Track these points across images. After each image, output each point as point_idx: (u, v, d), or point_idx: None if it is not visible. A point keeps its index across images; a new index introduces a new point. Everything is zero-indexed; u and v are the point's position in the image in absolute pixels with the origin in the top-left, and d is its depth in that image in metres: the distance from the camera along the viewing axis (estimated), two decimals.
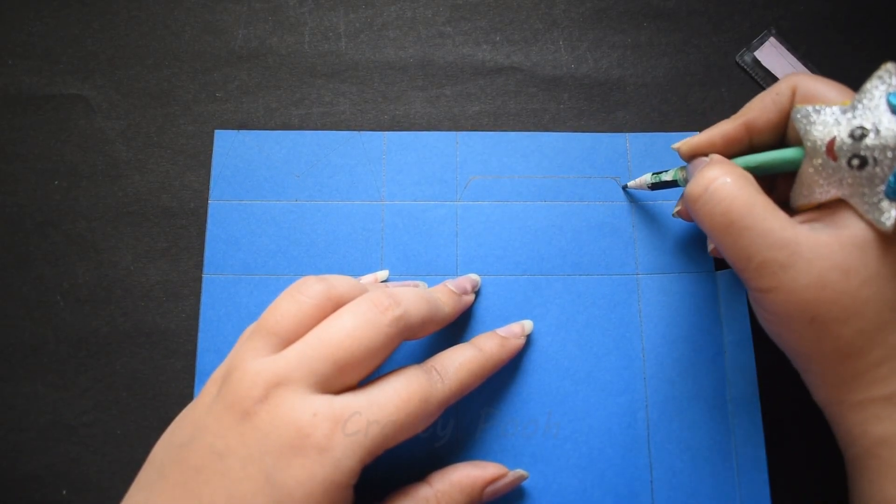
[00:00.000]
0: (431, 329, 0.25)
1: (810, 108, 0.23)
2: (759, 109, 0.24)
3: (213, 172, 0.31)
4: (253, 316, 0.28)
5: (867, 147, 0.21)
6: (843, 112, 0.22)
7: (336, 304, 0.23)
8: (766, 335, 0.24)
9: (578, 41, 0.33)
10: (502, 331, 0.28)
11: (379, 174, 0.31)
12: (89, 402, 0.28)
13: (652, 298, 0.29)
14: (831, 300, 0.20)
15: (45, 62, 0.32)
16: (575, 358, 0.28)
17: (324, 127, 0.32)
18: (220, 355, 0.28)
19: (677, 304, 0.29)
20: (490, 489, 0.25)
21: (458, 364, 0.24)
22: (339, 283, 0.23)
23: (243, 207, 0.30)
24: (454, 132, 0.31)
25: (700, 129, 0.29)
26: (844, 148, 0.22)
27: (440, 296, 0.26)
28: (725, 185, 0.22)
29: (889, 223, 0.20)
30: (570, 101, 0.32)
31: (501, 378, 0.28)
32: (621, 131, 0.31)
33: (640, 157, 0.31)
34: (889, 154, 0.21)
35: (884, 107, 0.21)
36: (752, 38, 0.33)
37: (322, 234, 0.30)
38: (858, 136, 0.21)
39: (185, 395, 0.28)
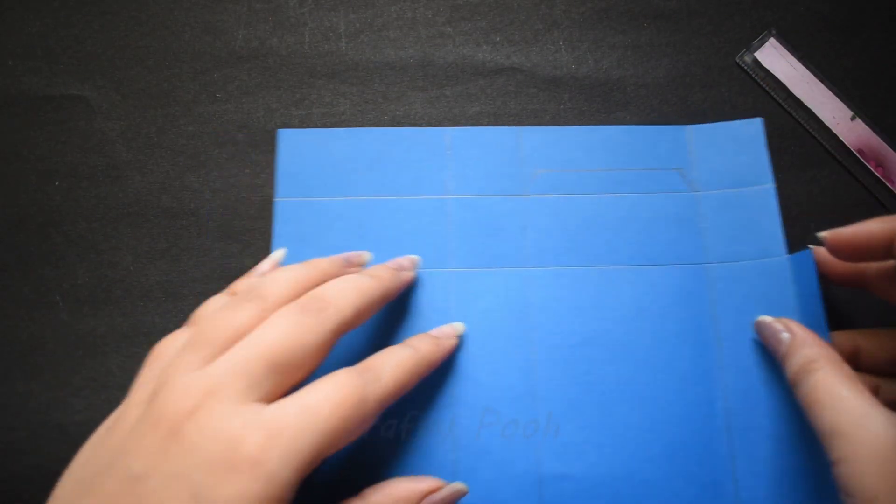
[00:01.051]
0: (369, 314, 0.24)
1: None
2: None
3: (278, 171, 0.30)
4: None
5: None
6: None
7: (270, 311, 0.22)
8: (841, 320, 0.26)
9: (579, 41, 0.33)
10: (435, 332, 0.28)
11: (444, 169, 0.31)
12: (82, 402, 0.28)
13: (723, 287, 0.29)
14: (893, 478, 0.20)
15: (45, 63, 0.32)
16: (650, 348, 0.28)
17: (325, 127, 0.32)
18: None
19: (748, 292, 0.29)
20: (426, 502, 0.23)
21: (393, 364, 0.23)
22: (272, 288, 0.23)
23: (310, 205, 0.30)
24: (517, 127, 0.31)
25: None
26: None
27: (378, 272, 0.26)
28: (821, 373, 0.23)
29: None
30: (571, 102, 0.32)
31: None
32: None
33: (701, 148, 0.31)
34: None
35: None
36: (753, 38, 0.33)
37: (390, 229, 0.30)
38: None
39: None
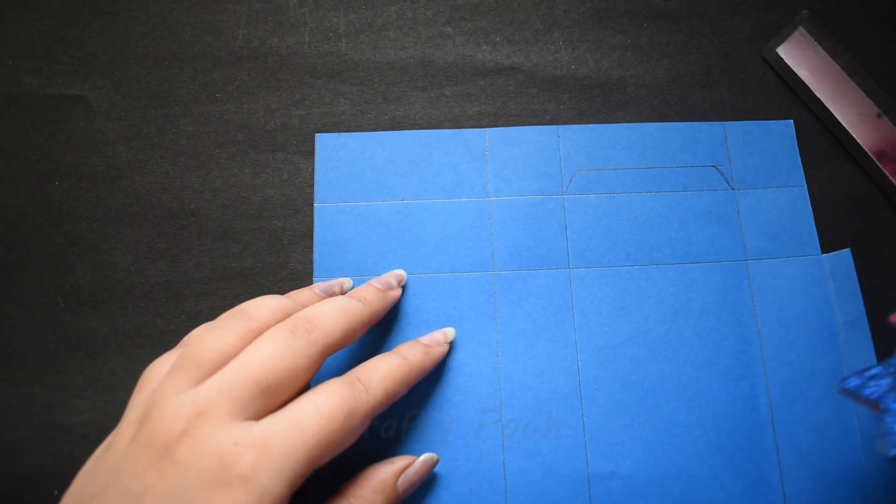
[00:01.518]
0: (357, 335, 0.24)
1: None
2: None
3: (317, 175, 0.31)
4: None
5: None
6: None
7: (257, 334, 0.22)
8: (882, 314, 0.26)
9: (579, 42, 0.33)
10: (425, 339, 0.28)
11: (483, 171, 0.31)
12: (85, 403, 0.28)
13: (763, 283, 0.29)
14: None
15: (46, 62, 0.32)
16: (693, 345, 0.29)
17: (324, 128, 0.32)
18: (334, 358, 0.28)
19: (788, 288, 0.29)
20: (402, 480, 0.25)
21: (382, 373, 0.24)
22: (260, 311, 0.23)
23: (349, 209, 0.30)
24: (556, 126, 0.31)
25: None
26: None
27: (364, 295, 0.26)
28: None
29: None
30: (571, 102, 0.32)
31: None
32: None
33: (738, 145, 0.31)
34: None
35: None
36: (753, 38, 0.33)
37: (431, 232, 0.30)
38: None
39: None
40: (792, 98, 0.32)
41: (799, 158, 0.31)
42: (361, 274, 0.29)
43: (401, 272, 0.29)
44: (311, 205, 0.31)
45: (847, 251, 0.29)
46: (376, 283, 0.28)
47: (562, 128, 0.31)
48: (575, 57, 0.33)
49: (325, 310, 0.24)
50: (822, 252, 0.30)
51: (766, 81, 0.32)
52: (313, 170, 0.31)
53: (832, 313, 0.29)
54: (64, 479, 0.27)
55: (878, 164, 0.28)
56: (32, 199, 0.31)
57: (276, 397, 0.21)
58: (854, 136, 0.28)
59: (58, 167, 0.31)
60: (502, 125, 0.32)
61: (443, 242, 0.30)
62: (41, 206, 0.31)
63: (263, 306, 0.24)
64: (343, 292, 0.28)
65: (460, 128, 0.32)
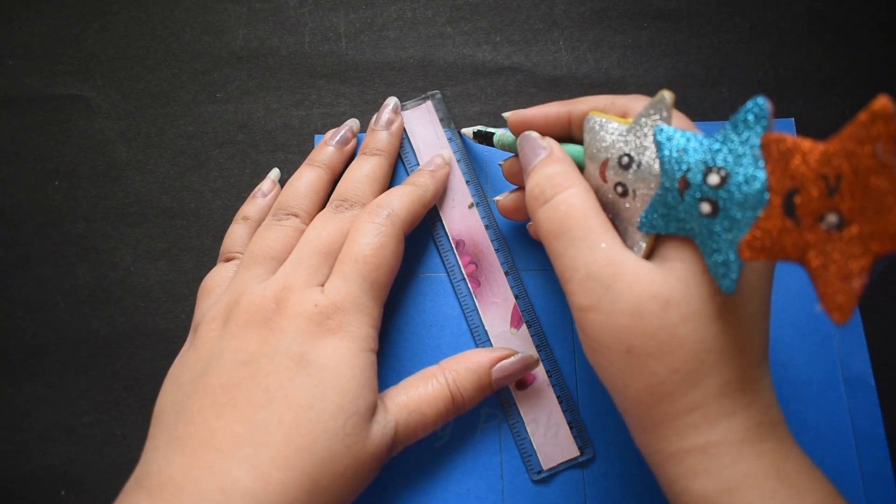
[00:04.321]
0: (423, 212, 0.28)
1: (599, 120, 0.22)
2: (589, 104, 0.23)
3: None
4: None
5: (629, 179, 0.21)
6: (624, 133, 0.21)
7: (307, 223, 0.27)
8: (878, 316, 0.25)
9: (579, 41, 0.33)
10: (427, 165, 0.29)
11: (482, 171, 0.31)
12: (89, 403, 0.28)
13: None
14: (648, 332, 0.19)
15: (45, 63, 0.32)
16: None
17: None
18: None
19: (782, 289, 0.29)
20: (497, 368, 0.26)
21: (397, 197, 0.26)
22: (301, 203, 0.27)
23: None
24: None
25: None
26: (611, 173, 0.21)
27: (422, 180, 0.28)
28: (572, 195, 0.21)
29: (639, 253, 0.20)
30: None
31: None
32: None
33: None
34: (644, 191, 0.20)
35: (650, 139, 0.20)
36: (753, 38, 0.33)
37: (430, 232, 0.30)
38: (625, 164, 0.21)
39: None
40: (793, 98, 0.32)
41: None
42: None
43: (390, 100, 0.30)
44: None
45: None
46: (425, 165, 0.29)
47: None
48: (575, 57, 0.33)
49: (354, 183, 0.27)
50: None
51: (765, 81, 0.32)
52: None
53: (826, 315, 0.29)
54: (70, 479, 0.27)
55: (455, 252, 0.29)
56: (32, 199, 0.31)
57: (336, 259, 0.25)
58: (443, 218, 0.29)
59: (58, 167, 0.31)
60: (502, 125, 0.32)
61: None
62: (41, 206, 0.31)
63: (299, 196, 0.27)
64: (354, 135, 0.30)
65: (460, 128, 0.32)
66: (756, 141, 0.17)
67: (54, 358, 0.29)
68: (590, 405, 0.28)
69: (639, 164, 0.20)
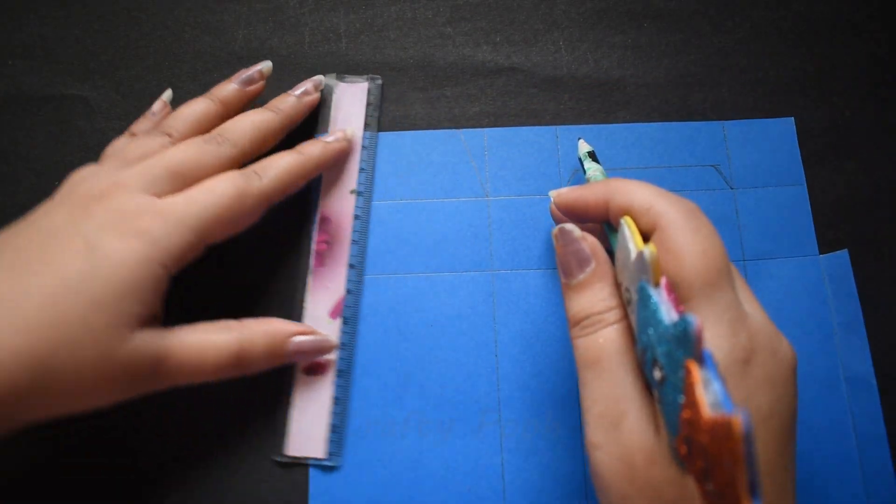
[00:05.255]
0: (270, 141, 0.28)
1: (627, 233, 0.21)
2: (628, 196, 0.22)
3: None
4: (364, 317, 0.29)
5: (627, 296, 0.21)
6: (632, 264, 0.20)
7: (177, 143, 0.27)
8: (879, 315, 0.26)
9: (579, 42, 0.33)
10: (326, 136, 0.29)
11: (482, 170, 0.31)
12: None
13: (760, 284, 0.29)
14: (637, 484, 0.18)
15: (46, 63, 0.32)
16: None
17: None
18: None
19: (785, 288, 0.29)
20: (294, 342, 0.26)
21: (277, 165, 0.27)
22: (179, 126, 0.27)
23: None
24: (554, 126, 0.31)
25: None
26: (623, 280, 0.21)
27: (277, 104, 0.29)
28: (613, 330, 0.21)
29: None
30: (571, 102, 0.32)
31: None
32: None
33: (738, 143, 0.31)
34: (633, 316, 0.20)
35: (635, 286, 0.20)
36: (753, 38, 0.33)
37: (430, 232, 0.30)
38: (626, 288, 0.21)
39: (184, 395, 0.28)
40: (793, 98, 0.32)
41: (799, 156, 0.31)
42: (361, 273, 0.29)
43: (318, 77, 0.31)
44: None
45: (844, 252, 0.29)
46: (293, 90, 0.30)
47: (560, 128, 0.31)
48: (575, 57, 0.33)
49: (237, 124, 0.27)
50: (820, 252, 0.30)
51: (766, 81, 0.32)
52: None
53: (828, 314, 0.29)
54: (67, 478, 0.27)
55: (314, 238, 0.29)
56: (32, 199, 0.31)
57: (183, 184, 0.25)
58: (321, 192, 0.30)
59: (58, 167, 0.31)
60: (502, 125, 0.32)
61: (441, 242, 0.30)
62: None
63: (181, 119, 0.27)
64: (262, 78, 0.30)
65: (460, 128, 0.32)
66: (682, 360, 0.17)
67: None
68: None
69: (630, 298, 0.20)
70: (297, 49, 0.33)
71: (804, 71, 0.33)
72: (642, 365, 0.20)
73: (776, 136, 0.31)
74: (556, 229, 0.23)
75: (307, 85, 0.30)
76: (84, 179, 0.24)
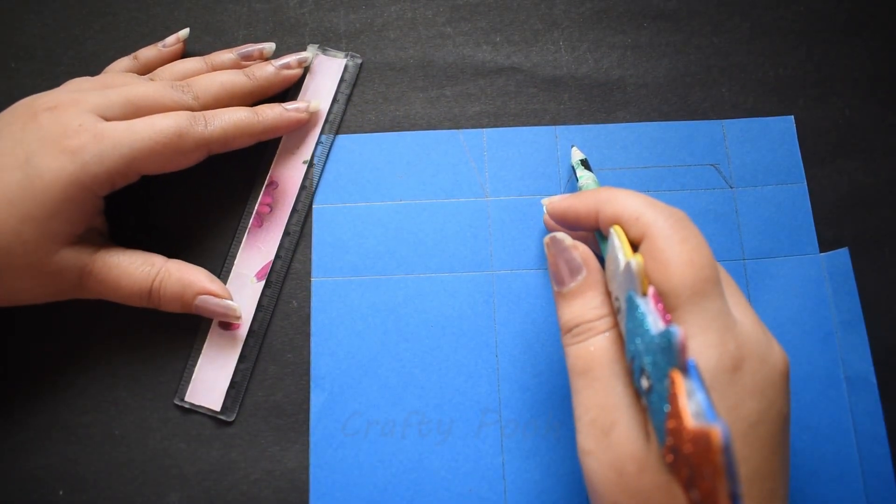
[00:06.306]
0: (234, 103, 0.29)
1: (616, 243, 0.21)
2: (616, 206, 0.22)
3: (315, 176, 0.31)
4: (365, 317, 0.29)
5: (617, 305, 0.21)
6: (620, 273, 0.21)
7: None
8: (879, 314, 0.26)
9: (578, 42, 0.33)
10: (289, 104, 0.30)
11: (482, 171, 0.31)
12: (88, 402, 0.28)
13: (760, 283, 0.29)
14: (628, 492, 0.19)
15: (47, 64, 0.32)
16: None
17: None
18: (334, 358, 0.28)
19: (785, 287, 0.29)
20: (201, 299, 0.27)
21: (227, 117, 0.27)
22: (164, 73, 0.29)
23: (347, 210, 0.30)
24: (553, 126, 0.31)
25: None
26: (613, 289, 0.21)
27: (253, 71, 0.30)
28: (604, 338, 0.21)
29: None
30: (571, 102, 0.32)
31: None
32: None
33: (737, 143, 0.31)
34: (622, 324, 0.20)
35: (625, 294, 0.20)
36: (753, 38, 0.33)
37: (429, 232, 0.30)
38: (615, 296, 0.21)
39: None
40: (793, 98, 0.32)
41: (799, 155, 0.31)
42: (360, 274, 0.29)
43: (303, 54, 0.31)
44: (310, 206, 0.30)
45: (845, 251, 0.29)
46: (275, 60, 0.30)
47: (560, 128, 0.31)
48: (575, 57, 0.33)
49: (206, 79, 0.28)
50: (820, 251, 0.30)
51: (766, 81, 0.32)
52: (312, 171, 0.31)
53: (829, 313, 0.29)
54: (69, 478, 0.27)
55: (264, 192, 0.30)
56: None
57: (134, 115, 0.26)
58: (276, 157, 0.30)
59: None
60: (502, 125, 0.32)
61: (441, 243, 0.30)
62: None
63: (171, 73, 0.29)
64: (262, 57, 0.31)
65: (460, 128, 0.32)
66: (667, 370, 0.17)
67: (54, 357, 0.29)
68: None
69: (619, 307, 0.20)
70: (296, 49, 0.33)
71: (804, 71, 0.33)
72: (631, 373, 0.20)
73: (776, 135, 0.31)
74: (547, 238, 0.23)
75: (290, 59, 0.31)
76: (54, 90, 0.26)
